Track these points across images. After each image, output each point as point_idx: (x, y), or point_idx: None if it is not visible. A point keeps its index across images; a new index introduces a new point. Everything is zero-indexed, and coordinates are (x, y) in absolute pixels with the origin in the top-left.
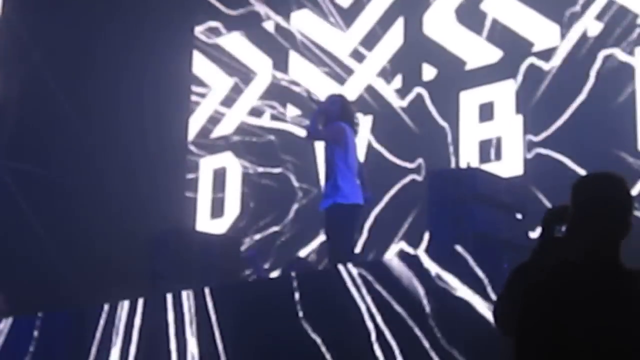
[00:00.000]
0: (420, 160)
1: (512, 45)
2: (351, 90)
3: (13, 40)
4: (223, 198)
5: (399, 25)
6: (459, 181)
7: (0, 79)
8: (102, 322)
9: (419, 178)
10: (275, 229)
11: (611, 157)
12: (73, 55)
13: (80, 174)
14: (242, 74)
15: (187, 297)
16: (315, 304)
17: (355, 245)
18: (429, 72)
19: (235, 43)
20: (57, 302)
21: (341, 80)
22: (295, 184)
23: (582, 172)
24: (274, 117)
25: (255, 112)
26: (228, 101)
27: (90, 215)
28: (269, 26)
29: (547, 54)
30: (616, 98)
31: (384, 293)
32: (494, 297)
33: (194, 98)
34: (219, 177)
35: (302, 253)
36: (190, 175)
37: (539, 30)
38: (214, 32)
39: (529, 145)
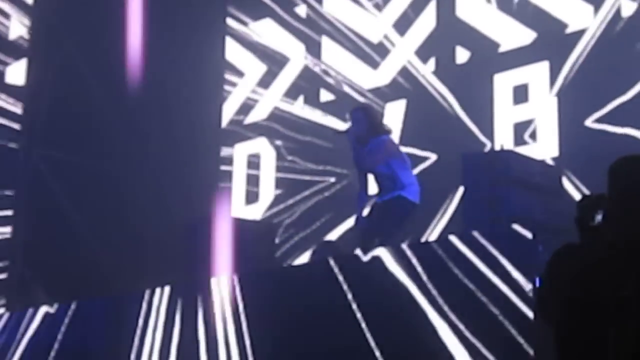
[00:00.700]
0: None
1: (546, 27)
2: (384, 74)
3: (45, 29)
4: (258, 184)
5: (431, 8)
6: (493, 164)
7: (33, 67)
8: (141, 308)
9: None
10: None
11: None
12: (105, 43)
13: (114, 162)
14: (275, 60)
15: (223, 283)
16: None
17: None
18: (462, 55)
19: (268, 29)
20: (95, 289)
21: (374, 65)
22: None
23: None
24: (307, 103)
25: (289, 98)
26: (261, 86)
27: (127, 202)
28: (301, 11)
29: (580, 35)
30: None
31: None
32: (523, 280)
33: (227, 85)
34: (253, 163)
35: (331, 237)
36: (225, 161)
37: (573, 11)
38: (248, 16)
39: (564, 127)
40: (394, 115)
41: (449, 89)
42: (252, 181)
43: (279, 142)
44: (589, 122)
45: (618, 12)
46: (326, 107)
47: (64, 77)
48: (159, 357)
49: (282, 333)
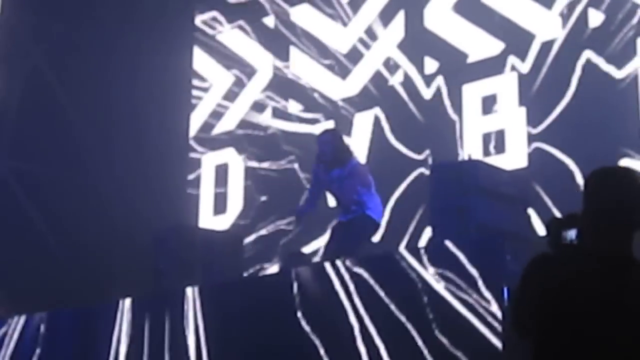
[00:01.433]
0: (427, 152)
1: (514, 37)
2: (353, 84)
3: (13, 39)
4: (225, 194)
5: (399, 19)
6: (461, 173)
7: (0, 79)
8: (105, 320)
9: (426, 171)
10: (279, 224)
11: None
12: (72, 52)
13: (82, 172)
14: (243, 69)
15: (189, 294)
16: (313, 301)
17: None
18: (431, 65)
19: (236, 38)
20: (61, 301)
21: (343, 75)
22: (301, 175)
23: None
24: (276, 112)
25: (257, 108)
26: (229, 97)
27: (93, 213)
28: (269, 21)
29: (549, 46)
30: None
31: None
32: (487, 292)
33: (195, 94)
34: (221, 173)
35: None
36: (192, 172)
37: (541, 22)
38: (215, 24)
39: (531, 138)
40: (363, 125)
41: (418, 99)
42: (220, 191)
43: (247, 151)
44: (554, 134)
45: (585, 22)
46: (295, 118)
47: (31, 88)
48: None
49: (248, 344)
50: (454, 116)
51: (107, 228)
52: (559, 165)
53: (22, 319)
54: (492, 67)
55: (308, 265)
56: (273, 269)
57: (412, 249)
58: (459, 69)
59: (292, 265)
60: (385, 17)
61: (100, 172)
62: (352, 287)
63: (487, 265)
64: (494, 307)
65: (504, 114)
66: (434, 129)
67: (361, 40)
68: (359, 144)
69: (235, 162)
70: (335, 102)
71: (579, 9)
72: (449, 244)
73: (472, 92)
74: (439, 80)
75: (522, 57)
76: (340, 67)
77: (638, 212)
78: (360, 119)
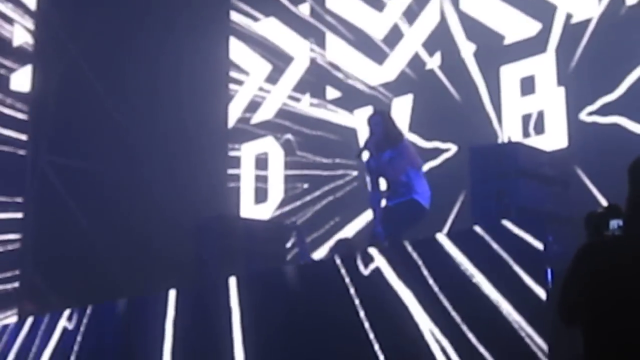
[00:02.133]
0: (466, 136)
1: (551, 17)
2: (390, 69)
3: (50, 34)
4: (266, 183)
5: (435, 3)
6: (501, 156)
7: (38, 75)
8: (152, 311)
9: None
10: (319, 211)
11: None
12: (110, 46)
13: (122, 166)
14: (280, 58)
15: (232, 284)
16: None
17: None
18: (468, 48)
19: (272, 27)
20: (105, 294)
21: (380, 60)
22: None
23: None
24: (313, 100)
25: (295, 96)
26: (267, 86)
27: (135, 206)
28: (304, 9)
29: (585, 25)
30: None
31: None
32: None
33: (232, 85)
34: (261, 162)
35: (344, 234)
36: (233, 162)
37: (576, 1)
38: (250, 16)
39: (572, 117)
40: (401, 110)
41: (457, 81)
42: (261, 180)
43: (289, 137)
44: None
45: (622, 0)
46: (332, 105)
47: (69, 83)
48: (172, 358)
49: (290, 332)
50: (493, 98)
51: (149, 220)
52: (601, 145)
53: (67, 312)
54: (529, 48)
55: (354, 251)
56: (317, 255)
57: (453, 233)
58: (496, 51)
59: (339, 252)
60: (421, 1)
61: (140, 165)
62: (396, 273)
63: (529, 247)
64: (538, 290)
65: (542, 94)
66: (472, 112)
67: (397, 25)
68: None
69: (275, 150)
70: (374, 88)
71: None
72: (489, 227)
73: (510, 74)
74: (476, 63)
75: (559, 36)
76: (377, 52)
77: None
78: (398, 104)
